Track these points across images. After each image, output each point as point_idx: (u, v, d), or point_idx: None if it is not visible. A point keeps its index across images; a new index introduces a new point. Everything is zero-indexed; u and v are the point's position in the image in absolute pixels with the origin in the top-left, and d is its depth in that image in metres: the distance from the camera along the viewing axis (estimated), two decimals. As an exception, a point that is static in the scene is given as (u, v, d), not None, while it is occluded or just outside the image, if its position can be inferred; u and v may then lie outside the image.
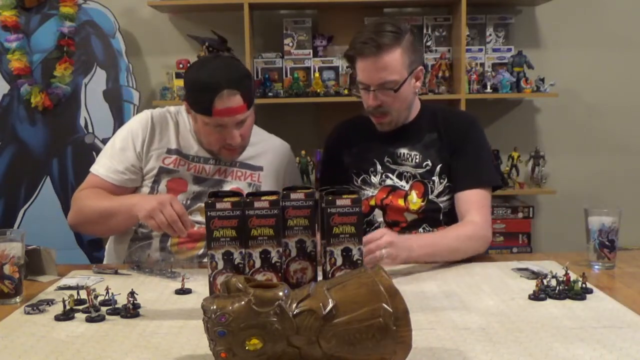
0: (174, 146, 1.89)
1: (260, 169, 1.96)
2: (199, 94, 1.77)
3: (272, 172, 1.98)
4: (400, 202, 1.89)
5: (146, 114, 1.93)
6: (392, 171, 1.91)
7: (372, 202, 1.91)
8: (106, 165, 1.88)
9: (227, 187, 1.89)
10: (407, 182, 1.89)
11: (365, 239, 1.46)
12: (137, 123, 1.91)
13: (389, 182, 1.91)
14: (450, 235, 1.77)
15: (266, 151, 2.01)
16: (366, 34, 1.80)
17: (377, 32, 1.78)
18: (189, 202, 1.86)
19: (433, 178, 1.87)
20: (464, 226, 1.79)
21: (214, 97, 1.73)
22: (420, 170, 1.88)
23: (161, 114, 1.94)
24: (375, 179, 1.92)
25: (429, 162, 1.89)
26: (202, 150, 1.91)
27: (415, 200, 1.87)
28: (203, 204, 1.72)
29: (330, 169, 2.04)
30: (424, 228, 1.89)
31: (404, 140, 1.92)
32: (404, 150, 1.91)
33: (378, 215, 1.92)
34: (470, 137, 1.91)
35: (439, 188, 1.87)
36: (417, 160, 1.89)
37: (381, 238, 1.56)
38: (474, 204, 1.82)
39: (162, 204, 1.61)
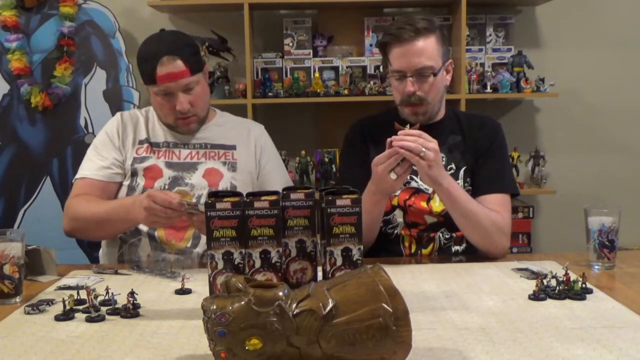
0: (144, 136, 1.98)
1: (233, 147, 2.00)
2: (144, 65, 1.89)
3: (245, 149, 2.01)
4: (423, 204, 1.88)
5: (116, 115, 2.04)
6: (417, 173, 1.82)
7: (395, 202, 1.89)
8: (90, 166, 1.94)
9: (202, 168, 1.94)
10: None
11: (417, 132, 1.62)
12: (109, 124, 2.02)
13: (413, 184, 1.88)
14: (477, 205, 1.76)
15: (235, 129, 2.05)
16: (400, 23, 1.82)
17: (411, 20, 1.80)
18: (166, 187, 1.91)
19: (457, 181, 1.84)
20: (493, 212, 1.78)
21: (156, 65, 1.83)
22: None
23: (131, 113, 2.06)
24: None
25: (453, 165, 1.88)
26: (170, 136, 1.98)
27: (438, 203, 1.85)
28: (181, 188, 1.86)
29: (352, 163, 1.97)
30: (442, 232, 1.89)
31: None
32: None
33: (398, 216, 1.90)
34: (497, 142, 1.91)
35: None
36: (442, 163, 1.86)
37: (431, 142, 1.62)
38: (499, 205, 1.82)
39: (150, 197, 1.63)
